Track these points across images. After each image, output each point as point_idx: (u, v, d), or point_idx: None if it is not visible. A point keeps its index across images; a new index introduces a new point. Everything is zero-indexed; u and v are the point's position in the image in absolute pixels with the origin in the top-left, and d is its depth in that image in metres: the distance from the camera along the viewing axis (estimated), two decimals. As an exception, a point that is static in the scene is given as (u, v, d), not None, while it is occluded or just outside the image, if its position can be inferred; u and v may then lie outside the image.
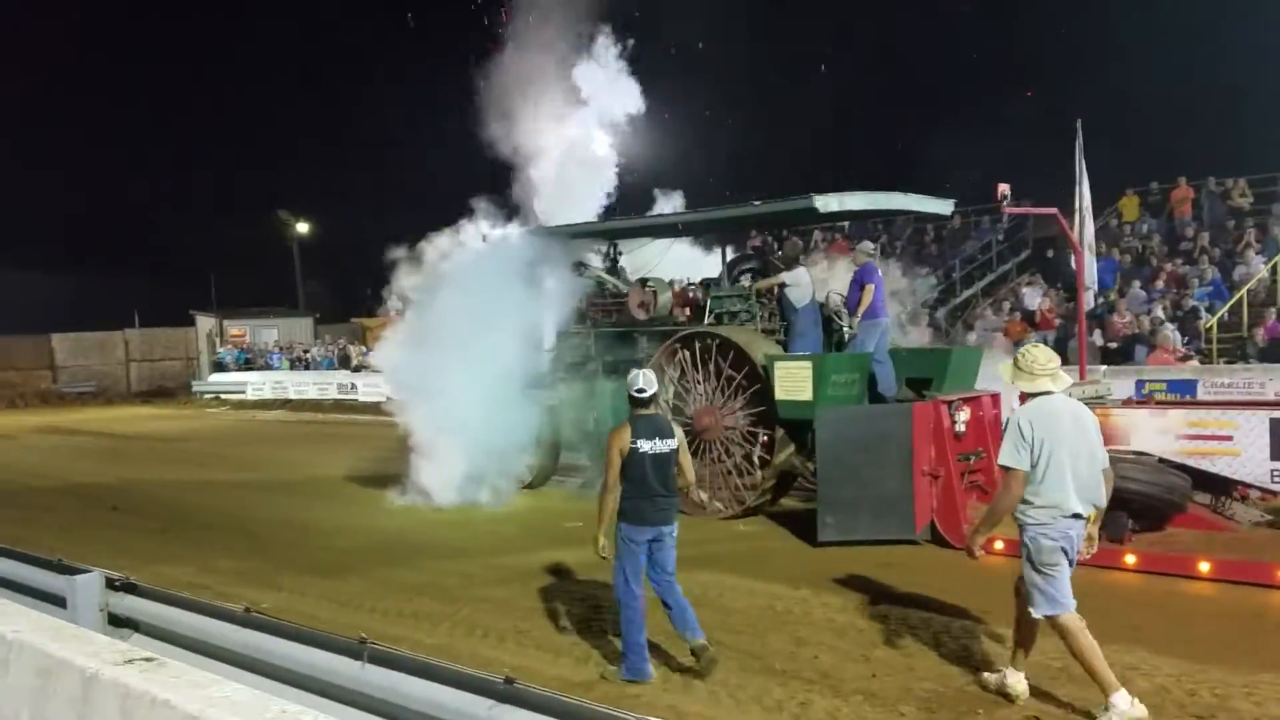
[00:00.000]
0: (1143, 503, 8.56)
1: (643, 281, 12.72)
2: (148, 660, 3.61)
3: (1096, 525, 5.63)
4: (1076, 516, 5.44)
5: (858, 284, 11.40)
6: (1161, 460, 8.79)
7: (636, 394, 6.34)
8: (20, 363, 39.97)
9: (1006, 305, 20.39)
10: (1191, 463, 8.82)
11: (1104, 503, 5.58)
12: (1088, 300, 13.06)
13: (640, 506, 6.21)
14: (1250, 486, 8.97)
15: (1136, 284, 18.71)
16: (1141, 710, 5.29)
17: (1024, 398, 5.78)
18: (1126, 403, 9.89)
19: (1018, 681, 5.73)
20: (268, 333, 40.18)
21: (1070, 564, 5.48)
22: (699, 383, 11.37)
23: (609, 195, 14.35)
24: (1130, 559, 8.17)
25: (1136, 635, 6.63)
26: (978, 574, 7.49)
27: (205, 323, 41.01)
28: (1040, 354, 5.64)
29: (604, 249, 13.79)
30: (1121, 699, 5.28)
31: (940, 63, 29.92)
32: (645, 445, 6.19)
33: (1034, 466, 5.40)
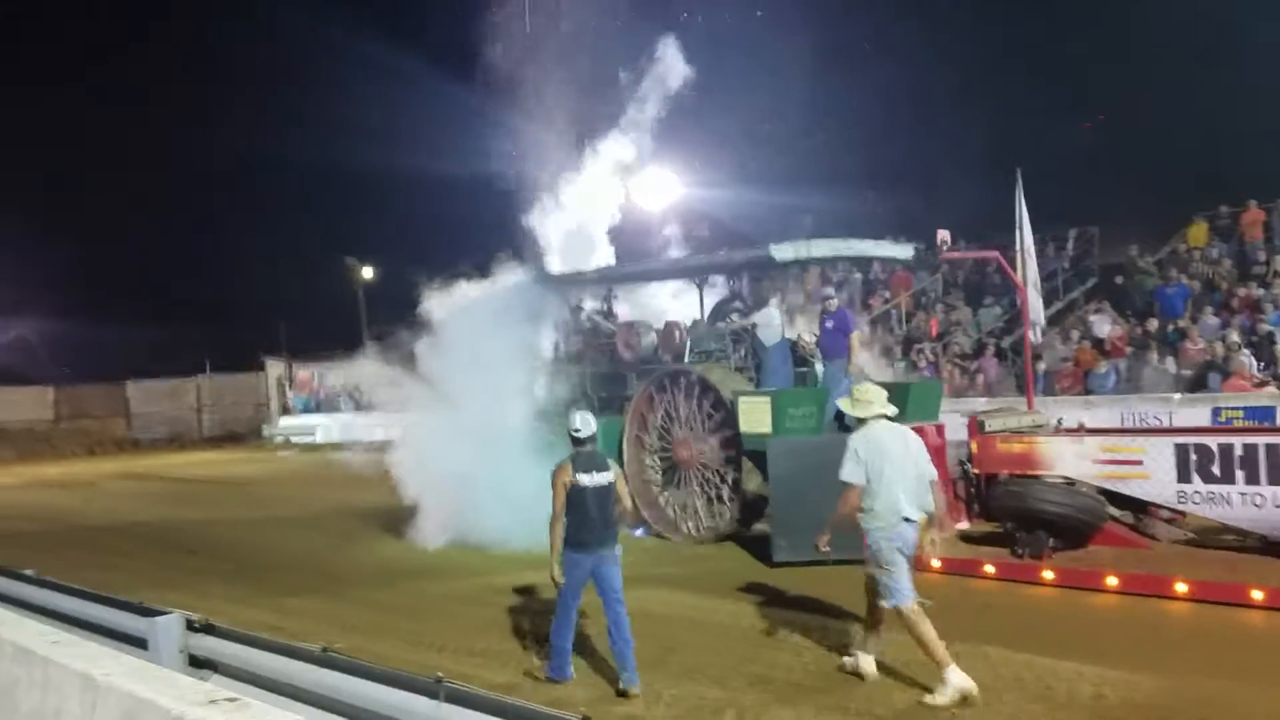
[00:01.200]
0: (1061, 523, 9.45)
1: (629, 324, 13.54)
2: (230, 701, 3.65)
3: (933, 529, 6.72)
4: (908, 520, 6.51)
5: (840, 332, 12.00)
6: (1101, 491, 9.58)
7: (574, 433, 7.10)
8: (96, 410, 40.93)
9: (1075, 334, 20.02)
10: (1109, 485, 9.62)
11: (932, 509, 6.63)
12: (1034, 336, 13.56)
13: (583, 535, 6.90)
14: (1160, 507, 9.71)
15: (1209, 310, 18.30)
16: (970, 683, 6.18)
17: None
18: (1056, 431, 10.69)
19: (869, 664, 6.74)
20: (335, 376, 40.76)
21: (908, 562, 6.52)
22: (678, 417, 12.16)
23: (611, 242, 15.58)
24: (1048, 574, 9.10)
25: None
26: (1063, 612, 7.70)
27: (275, 368, 41.74)
28: (872, 389, 7.05)
29: (602, 292, 14.54)
30: (953, 673, 6.22)
31: (997, 91, 29.66)
32: (585, 479, 6.91)
33: (869, 481, 6.51)
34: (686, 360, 12.62)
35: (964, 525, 10.76)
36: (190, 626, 5.66)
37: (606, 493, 6.97)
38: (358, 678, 4.65)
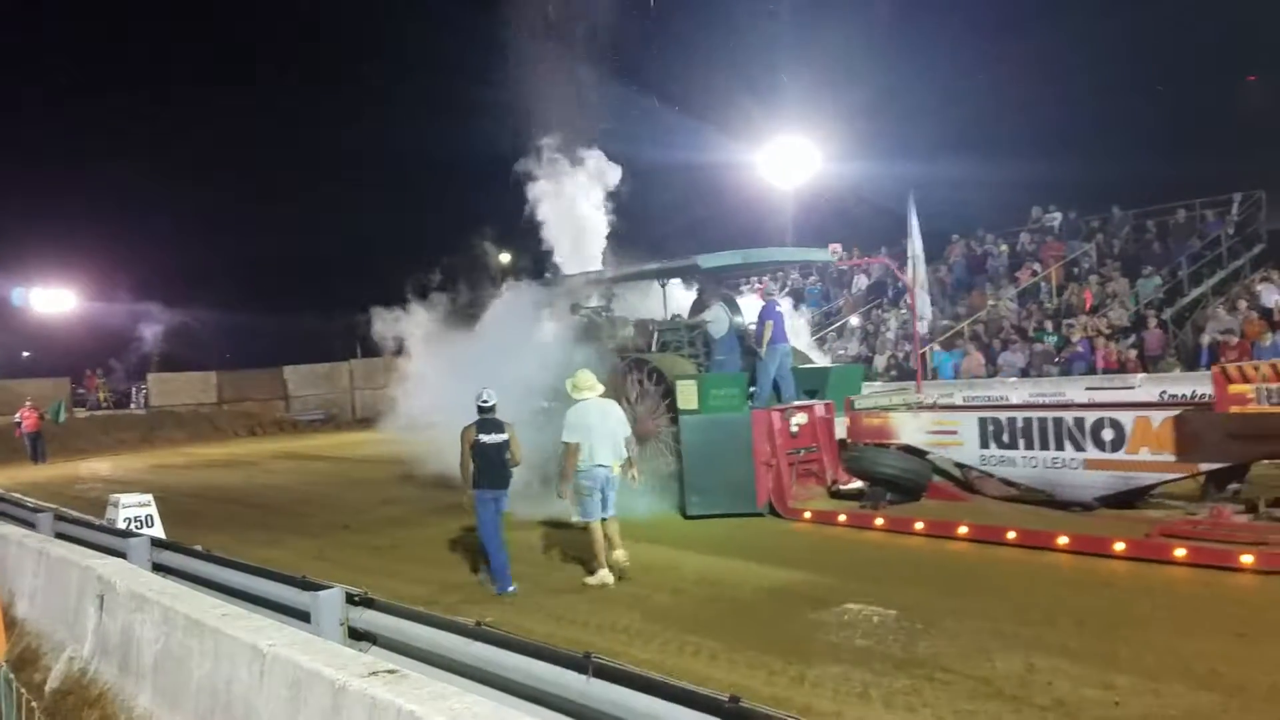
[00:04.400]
0: (895, 481, 11.81)
1: (610, 319, 15.93)
2: (390, 672, 3.76)
3: (633, 468, 9.68)
4: (602, 465, 9.40)
5: (761, 320, 14.04)
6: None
7: (479, 404, 9.55)
8: (257, 394, 42.84)
9: (1242, 304, 18.90)
10: (938, 451, 12.05)
11: (624, 455, 9.55)
12: (922, 329, 16.00)
13: (486, 479, 9.44)
14: (970, 468, 11.91)
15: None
16: (610, 579, 9.39)
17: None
18: (910, 408, 12.95)
19: (607, 575, 9.43)
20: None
21: (603, 493, 9.49)
22: (641, 397, 14.09)
23: (604, 249, 17.82)
24: (879, 521, 11.22)
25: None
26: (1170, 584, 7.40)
27: (420, 351, 42.88)
28: (585, 376, 9.83)
29: (601, 291, 16.57)
30: (604, 571, 9.43)
31: (1159, 53, 28.21)
32: (485, 438, 9.42)
33: (580, 439, 9.31)
34: (654, 350, 14.95)
35: (856, 484, 12.60)
36: (350, 600, 5.84)
37: (501, 448, 9.47)
38: (510, 651, 4.72)
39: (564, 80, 18.63)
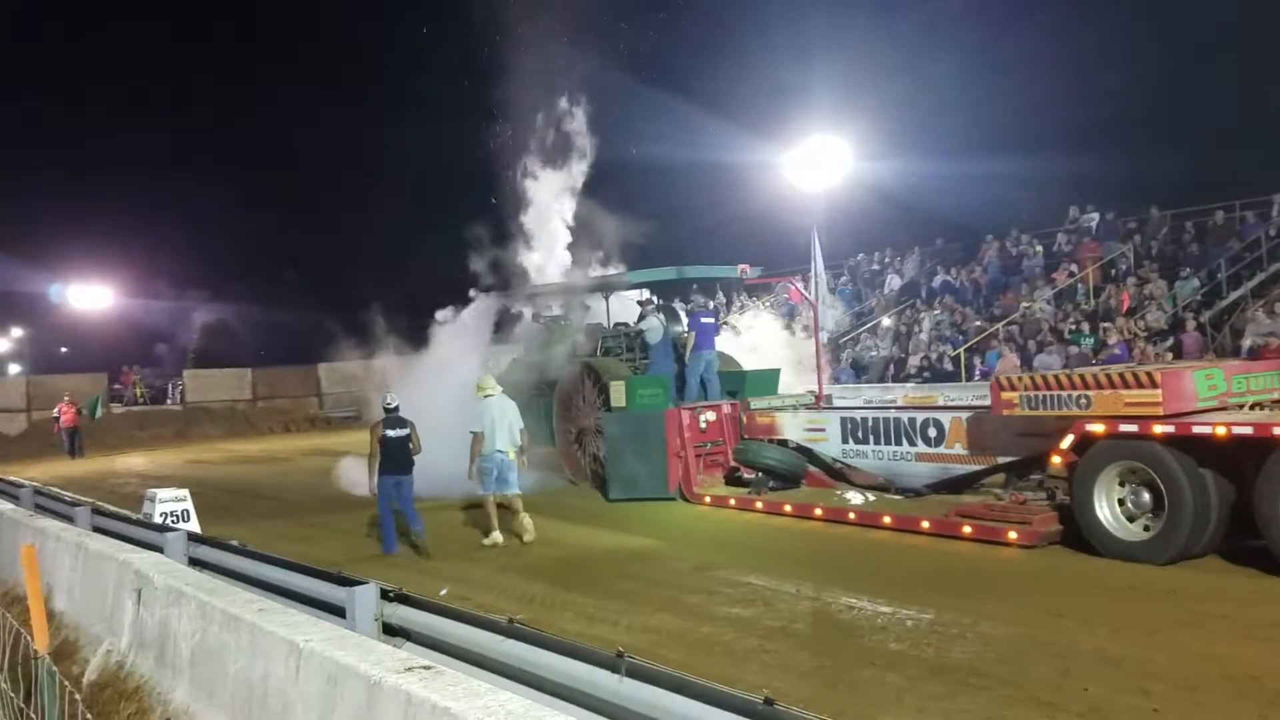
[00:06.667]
0: (774, 470, 13.31)
1: (564, 327, 18.00)
2: (426, 668, 3.77)
3: (522, 457, 11.98)
4: (500, 451, 11.58)
5: (689, 329, 16.14)
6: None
7: (385, 405, 11.60)
8: (290, 391, 43.13)
9: (1280, 307, 18.60)
10: (812, 446, 13.45)
11: (518, 443, 11.79)
12: (824, 340, 17.82)
13: (389, 464, 11.38)
14: (838, 461, 13.21)
15: None
16: (500, 538, 11.66)
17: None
18: (793, 409, 14.48)
19: (498, 535, 11.64)
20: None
21: (499, 475, 11.64)
22: (585, 397, 16.13)
23: (567, 261, 19.74)
24: (759, 505, 13.04)
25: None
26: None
27: (450, 349, 42.91)
28: (487, 380, 12.20)
29: (560, 301, 18.75)
30: (495, 533, 11.68)
31: (1197, 50, 27.81)
32: (390, 433, 11.38)
33: (483, 430, 11.44)
34: (598, 355, 16.83)
35: (751, 475, 13.84)
36: (385, 596, 5.85)
37: (403, 441, 11.38)
38: (542, 649, 4.72)
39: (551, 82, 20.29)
